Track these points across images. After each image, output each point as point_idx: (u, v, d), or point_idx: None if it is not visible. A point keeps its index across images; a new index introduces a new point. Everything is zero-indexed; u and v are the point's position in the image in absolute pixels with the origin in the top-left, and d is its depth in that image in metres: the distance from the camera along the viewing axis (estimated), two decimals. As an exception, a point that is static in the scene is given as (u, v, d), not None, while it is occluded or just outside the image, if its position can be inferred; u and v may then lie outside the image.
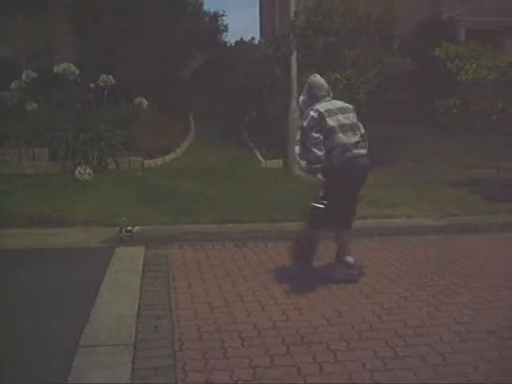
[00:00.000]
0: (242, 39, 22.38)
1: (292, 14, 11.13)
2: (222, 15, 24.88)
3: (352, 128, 5.24)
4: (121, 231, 7.02)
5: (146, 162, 11.27)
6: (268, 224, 7.33)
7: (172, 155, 12.16)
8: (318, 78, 5.58)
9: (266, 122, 12.12)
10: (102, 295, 4.86)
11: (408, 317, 4.35)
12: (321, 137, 5.09)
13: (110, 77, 11.55)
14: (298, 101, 10.74)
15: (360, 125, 5.39)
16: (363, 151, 5.29)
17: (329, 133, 5.13)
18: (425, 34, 18.22)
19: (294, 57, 10.94)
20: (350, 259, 5.42)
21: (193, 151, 12.87)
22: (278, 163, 11.57)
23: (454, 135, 11.99)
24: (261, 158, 11.98)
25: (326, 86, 5.52)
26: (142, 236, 6.99)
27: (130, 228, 7.09)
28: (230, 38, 35.41)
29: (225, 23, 25.08)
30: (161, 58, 13.06)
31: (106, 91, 11.39)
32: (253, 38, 25.32)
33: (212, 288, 5.03)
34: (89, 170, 9.98)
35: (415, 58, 12.07)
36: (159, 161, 11.57)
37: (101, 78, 11.52)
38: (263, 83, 12.22)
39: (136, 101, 12.05)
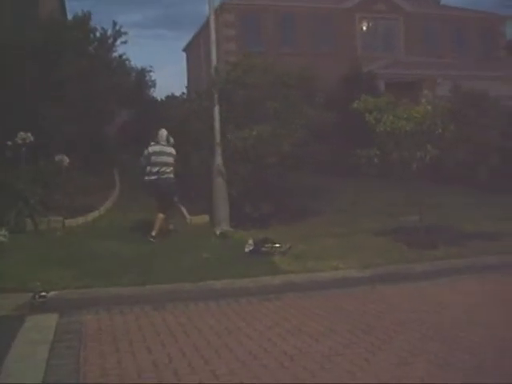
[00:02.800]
0: (172, 94, 22.29)
1: (213, 70, 11.15)
2: (150, 71, 24.96)
3: (160, 164, 10.03)
4: (34, 297, 6.59)
5: (66, 221, 10.84)
6: (189, 284, 7.05)
7: (95, 214, 11.78)
8: (160, 131, 10.43)
9: (191, 177, 11.92)
10: (4, 371, 4.46)
11: (331, 377, 4.17)
12: (145, 165, 10.12)
13: (29, 134, 11.16)
14: (221, 156, 10.67)
15: (169, 161, 10.16)
16: (163, 176, 10.03)
17: (148, 164, 10.06)
18: (347, 87, 18.81)
19: (216, 111, 10.90)
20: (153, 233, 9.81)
21: (117, 209, 12.53)
22: (204, 219, 11.36)
23: (377, 185, 12.16)
24: (186, 214, 11.73)
25: (163, 136, 10.32)
26: (56, 302, 6.57)
27: (44, 293, 6.66)
28: (162, 93, 35.16)
29: (152, 78, 25.16)
30: (83, 114, 12.78)
31: (24, 149, 10.98)
32: (183, 93, 25.29)
33: (126, 357, 4.69)
34: (3, 232, 9.46)
35: (339, 110, 12.29)
36: (81, 220, 11.16)
37: (19, 136, 11.11)
38: (188, 138, 12.10)
39: (57, 158, 11.68)
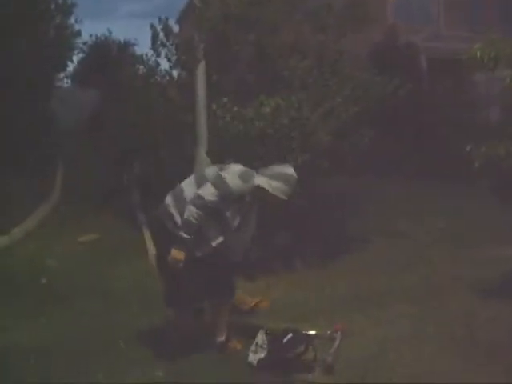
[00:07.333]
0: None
1: (197, -1, 6.34)
2: (134, 44, 21.18)
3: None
4: None
5: None
6: None
7: (4, 240, 7.13)
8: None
9: (162, 179, 7.05)
10: None
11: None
12: None
13: None
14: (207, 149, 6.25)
15: None
16: None
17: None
18: (381, 60, 14.48)
19: (201, 70, 6.19)
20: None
21: (46, 231, 7.82)
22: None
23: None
24: (151, 245, 6.83)
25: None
26: None
27: None
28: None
29: (137, 54, 21.54)
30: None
31: None
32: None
33: None
34: None
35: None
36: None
37: None
38: (156, 117, 7.45)
39: None
